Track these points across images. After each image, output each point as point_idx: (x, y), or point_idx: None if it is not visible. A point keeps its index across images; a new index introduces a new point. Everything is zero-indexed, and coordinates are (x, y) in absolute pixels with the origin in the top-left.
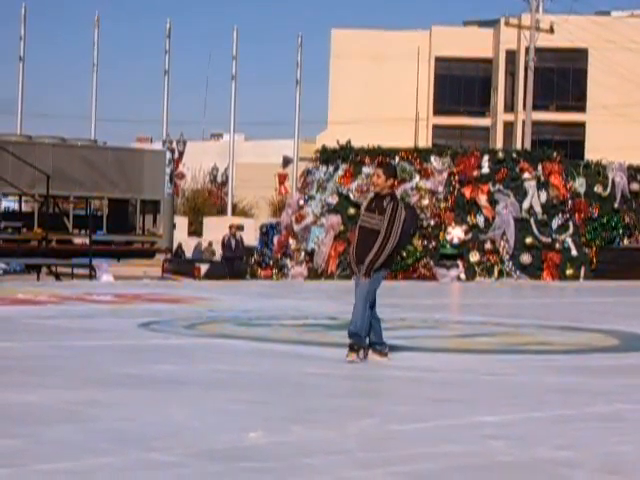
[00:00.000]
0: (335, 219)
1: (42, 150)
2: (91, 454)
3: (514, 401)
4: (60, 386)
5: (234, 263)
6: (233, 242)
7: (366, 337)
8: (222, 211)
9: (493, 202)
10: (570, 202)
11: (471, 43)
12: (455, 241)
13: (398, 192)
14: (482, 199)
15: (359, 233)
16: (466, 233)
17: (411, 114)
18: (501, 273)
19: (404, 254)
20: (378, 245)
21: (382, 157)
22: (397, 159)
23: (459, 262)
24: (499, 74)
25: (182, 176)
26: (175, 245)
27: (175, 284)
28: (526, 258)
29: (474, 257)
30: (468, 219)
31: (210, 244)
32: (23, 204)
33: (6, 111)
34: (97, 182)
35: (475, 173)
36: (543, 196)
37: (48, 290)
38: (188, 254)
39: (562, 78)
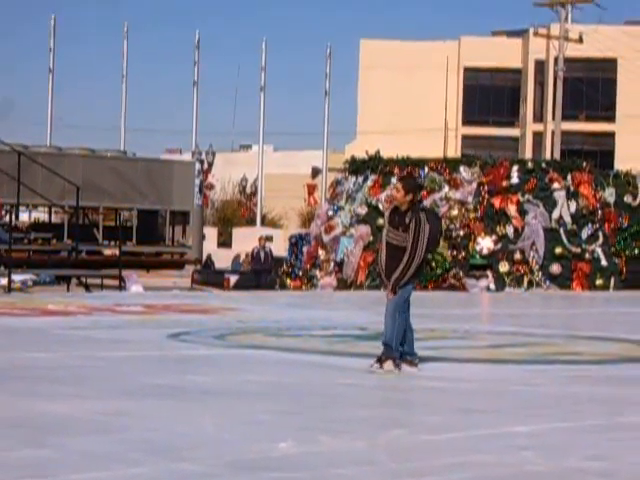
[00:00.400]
0: (364, 229)
1: (72, 161)
2: (121, 464)
3: (544, 411)
4: (90, 396)
5: (262, 276)
6: (262, 254)
7: (397, 348)
8: (251, 222)
9: (522, 212)
10: (600, 212)
11: (500, 53)
12: (484, 251)
13: (427, 202)
14: (511, 209)
15: (387, 249)
16: (495, 243)
17: (440, 124)
18: (531, 283)
19: (433, 264)
20: (404, 264)
21: (411, 167)
22: (426, 169)
23: (488, 272)
24: (528, 84)
25: (211, 187)
26: (204, 256)
27: (203, 294)
28: (556, 268)
29: (503, 267)
30: (497, 229)
31: (247, 255)
32: (53, 215)
33: (35, 122)
34: (126, 193)
35: (504, 183)
36: (573, 206)
37: (78, 301)
38: (218, 265)
39: (591, 88)
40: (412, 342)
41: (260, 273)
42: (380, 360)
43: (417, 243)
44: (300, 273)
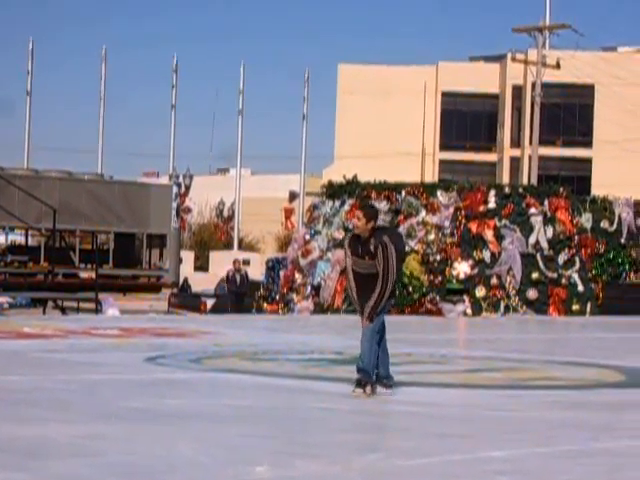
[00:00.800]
0: (341, 254)
1: (49, 184)
2: None
3: (520, 436)
4: (67, 420)
5: (238, 299)
6: (238, 277)
7: (374, 372)
8: (228, 245)
9: (499, 237)
10: (576, 237)
11: (477, 78)
12: (461, 276)
13: (404, 226)
14: (488, 234)
15: (356, 278)
16: (472, 268)
17: (417, 149)
18: (507, 308)
19: (410, 289)
20: (378, 292)
21: (388, 192)
22: (403, 194)
23: (465, 297)
24: (505, 109)
25: (188, 210)
26: (181, 279)
27: (180, 318)
28: (532, 293)
29: (480, 292)
30: (474, 254)
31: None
32: (30, 238)
33: (12, 145)
34: (103, 216)
35: (481, 208)
36: (549, 231)
37: (54, 324)
38: (194, 288)
39: (569, 113)
40: (388, 365)
41: (236, 296)
42: (361, 385)
43: (388, 269)
44: (277, 297)
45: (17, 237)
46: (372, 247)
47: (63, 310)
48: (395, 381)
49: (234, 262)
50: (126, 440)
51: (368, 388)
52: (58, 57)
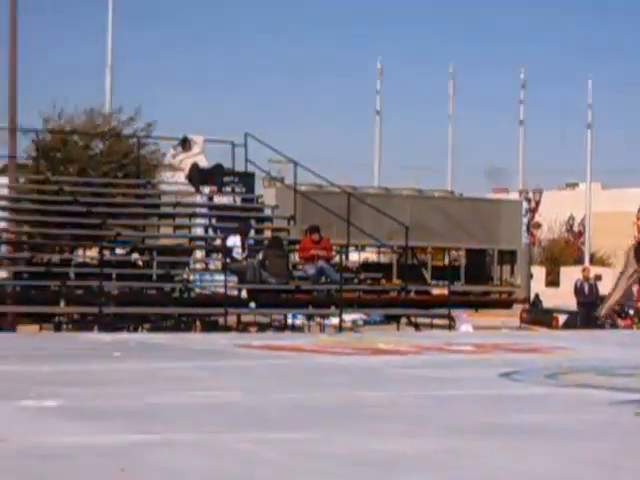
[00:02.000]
0: None
1: (400, 202)
2: None
3: None
4: (422, 434)
5: (586, 310)
6: (586, 287)
7: None
8: (579, 261)
9: None
10: None
11: None
12: None
13: None
14: None
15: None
16: None
17: None
18: None
19: None
20: None
21: None
22: None
23: None
24: None
25: (538, 226)
26: (532, 295)
27: (532, 334)
28: None
29: None
30: None
31: None
32: (381, 255)
33: (364, 164)
34: (454, 233)
35: None
36: None
37: (408, 340)
38: (546, 304)
39: None
40: None
41: (584, 307)
42: None
43: None
44: (631, 312)
45: (369, 255)
46: None
47: (417, 326)
48: None
49: (583, 270)
50: (480, 455)
51: None
52: (406, 76)
